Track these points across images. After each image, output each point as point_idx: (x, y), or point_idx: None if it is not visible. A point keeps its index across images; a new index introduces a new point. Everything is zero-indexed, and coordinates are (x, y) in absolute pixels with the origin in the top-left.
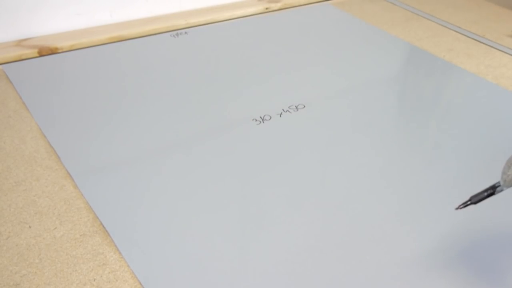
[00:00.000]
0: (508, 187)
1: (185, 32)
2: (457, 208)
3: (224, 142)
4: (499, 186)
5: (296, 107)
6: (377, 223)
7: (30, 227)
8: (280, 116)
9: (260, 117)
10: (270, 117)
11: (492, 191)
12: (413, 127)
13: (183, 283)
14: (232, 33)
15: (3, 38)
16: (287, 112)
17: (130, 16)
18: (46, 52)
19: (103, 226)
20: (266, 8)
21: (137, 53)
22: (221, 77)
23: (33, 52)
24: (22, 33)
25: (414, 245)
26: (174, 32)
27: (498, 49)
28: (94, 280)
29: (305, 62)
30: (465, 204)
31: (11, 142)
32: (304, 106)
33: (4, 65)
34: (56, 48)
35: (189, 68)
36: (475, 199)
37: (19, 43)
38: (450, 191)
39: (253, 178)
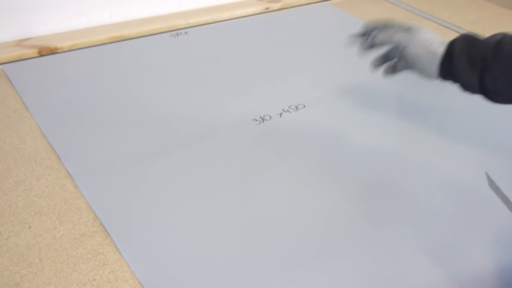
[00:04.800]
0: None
1: (185, 32)
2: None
3: (224, 142)
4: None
5: (296, 107)
6: (378, 221)
7: (30, 227)
8: (280, 116)
9: (260, 117)
10: (270, 117)
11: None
12: (413, 127)
13: (183, 283)
14: (232, 33)
15: (3, 38)
16: (287, 112)
17: (130, 16)
18: (46, 52)
19: (103, 226)
20: (266, 8)
21: (137, 53)
22: (221, 77)
23: (33, 52)
24: (22, 33)
25: (415, 243)
26: (174, 32)
27: None
28: (94, 280)
29: (305, 62)
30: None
31: (11, 142)
32: (304, 106)
33: (4, 65)
34: (56, 48)
35: (189, 68)
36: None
37: (19, 43)
38: (450, 190)
39: (253, 178)
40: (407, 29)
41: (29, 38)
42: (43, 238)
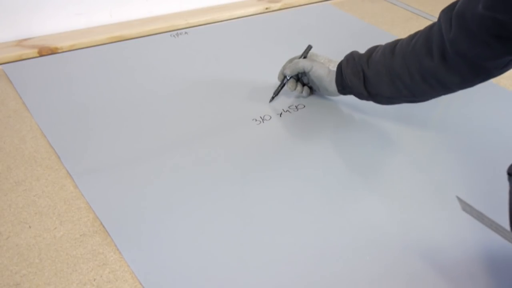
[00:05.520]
0: (290, 74)
1: (185, 32)
2: (270, 101)
3: (224, 142)
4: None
5: (296, 107)
6: (376, 221)
7: (30, 227)
8: (280, 116)
9: (260, 117)
10: (270, 117)
11: (284, 82)
12: (412, 126)
13: (183, 283)
14: (232, 33)
15: (3, 38)
16: (287, 112)
17: (130, 16)
18: (46, 52)
19: (103, 226)
20: (266, 8)
21: (137, 53)
22: (221, 77)
23: (33, 52)
24: (22, 33)
25: (417, 243)
26: (174, 32)
27: None
28: (94, 280)
29: None
30: (272, 98)
31: (11, 142)
32: (304, 106)
33: (4, 65)
34: (56, 48)
35: (189, 68)
36: (276, 92)
37: (19, 43)
38: (449, 190)
39: (253, 178)
40: (308, 58)
41: (29, 38)
42: (43, 238)
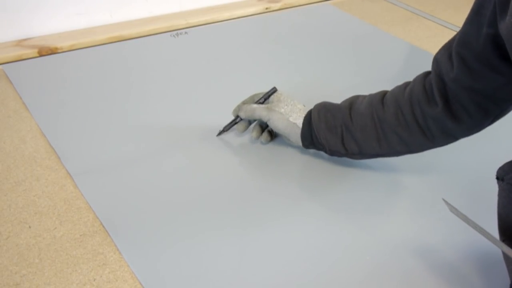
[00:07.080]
0: (244, 117)
1: (185, 32)
2: (217, 135)
3: (224, 142)
4: (238, 118)
5: None
6: (374, 220)
7: (30, 227)
8: None
9: None
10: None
11: (236, 120)
12: None
13: (183, 283)
14: (232, 33)
15: (3, 38)
16: None
17: (130, 16)
18: (46, 52)
19: (103, 226)
20: (266, 8)
21: (137, 53)
22: (221, 77)
23: (33, 52)
24: (22, 33)
25: (415, 243)
26: (174, 32)
27: None
28: (94, 280)
29: (305, 62)
30: (220, 132)
31: (11, 142)
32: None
33: (4, 65)
34: (56, 48)
35: (189, 68)
36: (226, 128)
37: (19, 43)
38: (447, 191)
39: (254, 178)
40: (267, 106)
41: (29, 38)
42: (43, 238)
